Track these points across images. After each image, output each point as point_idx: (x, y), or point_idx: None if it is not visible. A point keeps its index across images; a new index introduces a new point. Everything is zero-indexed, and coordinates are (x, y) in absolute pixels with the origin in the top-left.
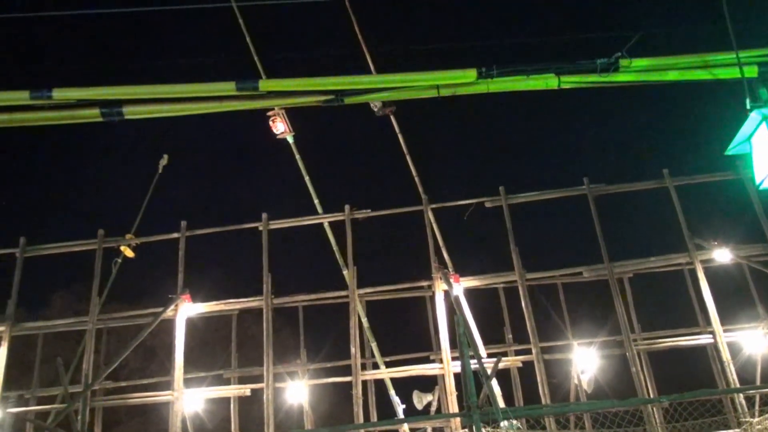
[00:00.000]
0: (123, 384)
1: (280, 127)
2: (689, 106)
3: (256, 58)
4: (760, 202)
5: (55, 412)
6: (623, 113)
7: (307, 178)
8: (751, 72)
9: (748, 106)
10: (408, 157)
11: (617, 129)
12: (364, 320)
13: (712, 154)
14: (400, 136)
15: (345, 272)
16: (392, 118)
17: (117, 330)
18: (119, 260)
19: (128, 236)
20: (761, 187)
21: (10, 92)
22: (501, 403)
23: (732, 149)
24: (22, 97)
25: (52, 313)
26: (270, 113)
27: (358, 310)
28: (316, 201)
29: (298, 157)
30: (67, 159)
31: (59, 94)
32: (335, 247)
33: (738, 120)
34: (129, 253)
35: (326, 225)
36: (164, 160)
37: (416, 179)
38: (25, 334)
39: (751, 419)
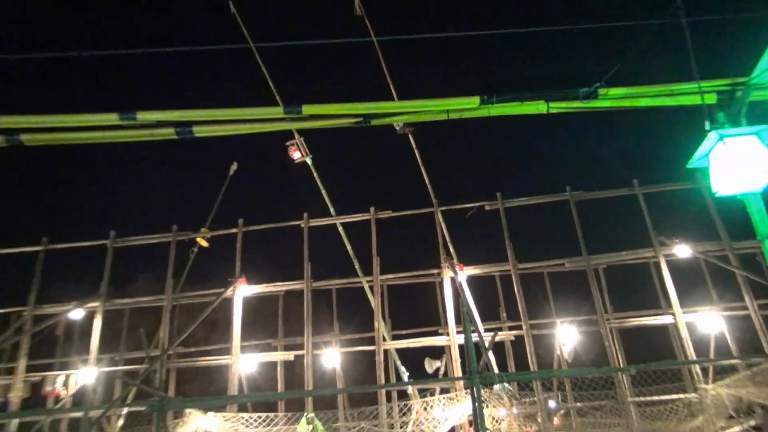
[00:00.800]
0: (192, 350)
1: (296, 155)
2: (657, 127)
3: (274, 90)
4: (715, 207)
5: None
6: (602, 131)
7: (323, 192)
8: (711, 99)
9: (707, 128)
10: (422, 169)
11: (596, 144)
12: (372, 302)
13: (674, 167)
14: (416, 152)
15: (356, 265)
16: (410, 136)
17: (187, 306)
18: (195, 249)
19: (203, 230)
20: (717, 195)
21: (102, 114)
22: (496, 369)
23: (693, 163)
24: (112, 118)
25: (136, 292)
26: (288, 143)
27: (369, 295)
28: (331, 209)
29: (315, 175)
30: (144, 169)
31: (142, 116)
32: (348, 245)
33: (697, 139)
34: (203, 243)
35: (338, 225)
36: (234, 166)
37: (428, 186)
38: (115, 308)
39: (706, 386)
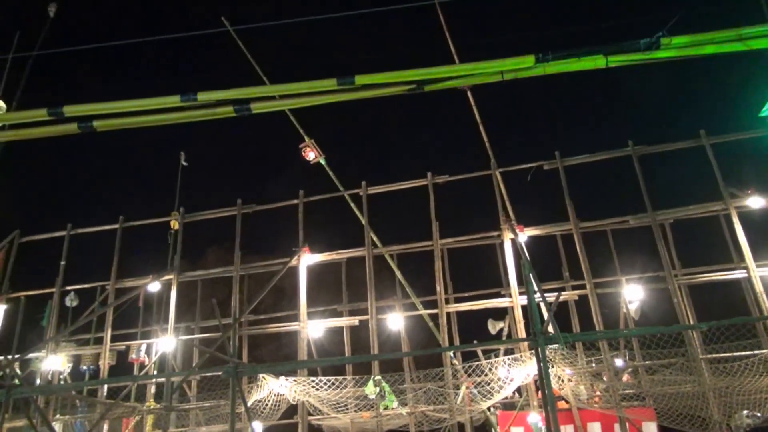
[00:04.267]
0: (261, 317)
1: (311, 155)
2: (725, 75)
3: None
4: None
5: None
6: (665, 82)
7: (341, 189)
8: None
9: None
10: (481, 127)
11: (659, 96)
12: (398, 272)
13: (744, 117)
14: (475, 110)
15: (372, 237)
16: (469, 94)
17: (255, 276)
18: (171, 232)
19: (173, 213)
20: None
21: (165, 97)
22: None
23: (765, 111)
24: (174, 101)
25: (208, 264)
26: (301, 145)
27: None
28: (342, 189)
29: (332, 174)
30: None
31: (203, 96)
32: (357, 211)
33: None
34: (175, 225)
35: (347, 197)
36: (183, 159)
37: (488, 146)
38: (188, 280)
39: None
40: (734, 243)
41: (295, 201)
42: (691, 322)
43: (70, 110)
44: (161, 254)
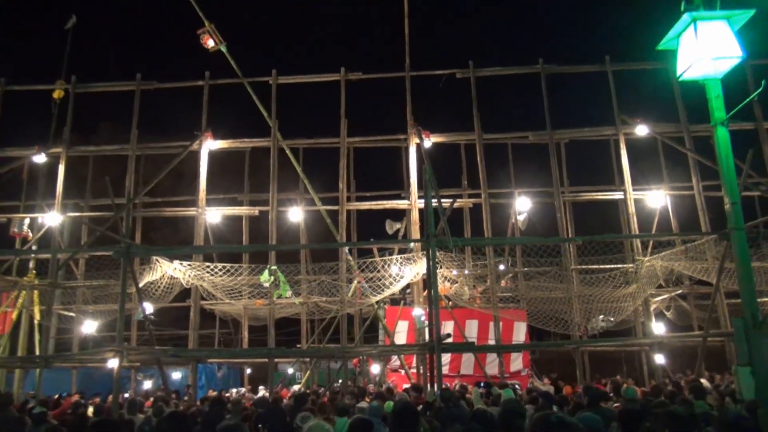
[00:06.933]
0: (158, 200)
1: (210, 42)
2: (634, 4)
3: None
4: (679, 90)
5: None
6: (578, 5)
7: (240, 75)
8: None
9: (682, 8)
10: (406, 21)
11: (570, 18)
12: (298, 167)
13: (645, 47)
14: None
15: (271, 123)
16: None
17: (153, 157)
18: (57, 101)
19: (59, 82)
20: (680, 78)
21: None
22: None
23: (663, 44)
24: None
25: (101, 140)
26: (199, 31)
27: (290, 156)
28: (241, 76)
29: (233, 63)
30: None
31: None
32: (259, 104)
33: (671, 20)
34: (59, 94)
35: (247, 85)
36: (72, 20)
37: (407, 47)
38: (79, 155)
39: (642, 258)
40: (618, 167)
41: (201, 82)
42: (570, 236)
43: None
44: (49, 125)
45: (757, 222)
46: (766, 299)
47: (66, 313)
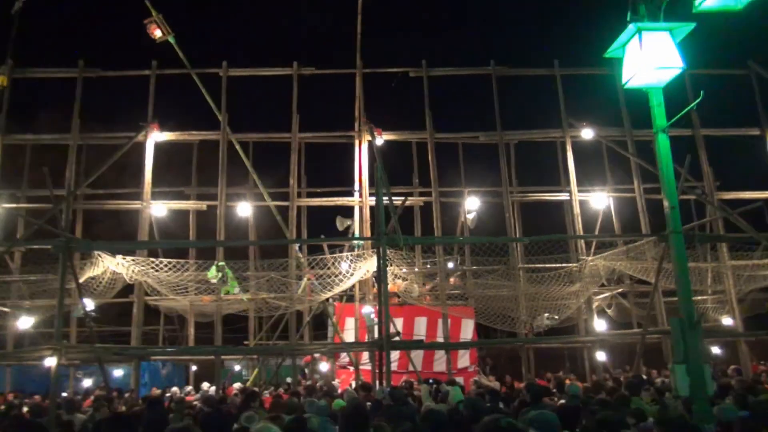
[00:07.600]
0: (100, 192)
1: (157, 33)
2: (582, 12)
3: None
4: (624, 97)
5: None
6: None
7: (188, 67)
8: None
9: (628, 18)
10: (359, 17)
11: (525, 17)
12: (247, 162)
13: (593, 54)
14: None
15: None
16: None
17: (96, 148)
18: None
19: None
20: (626, 86)
21: None
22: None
23: (610, 53)
24: None
25: (40, 128)
26: (146, 21)
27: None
28: (189, 68)
29: (181, 54)
30: None
31: None
32: (207, 96)
33: (618, 29)
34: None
35: (195, 76)
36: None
37: (358, 43)
38: (15, 143)
39: (586, 257)
40: (564, 168)
41: (147, 72)
42: (517, 236)
43: None
44: None
45: (693, 225)
46: (699, 298)
47: (0, 308)
